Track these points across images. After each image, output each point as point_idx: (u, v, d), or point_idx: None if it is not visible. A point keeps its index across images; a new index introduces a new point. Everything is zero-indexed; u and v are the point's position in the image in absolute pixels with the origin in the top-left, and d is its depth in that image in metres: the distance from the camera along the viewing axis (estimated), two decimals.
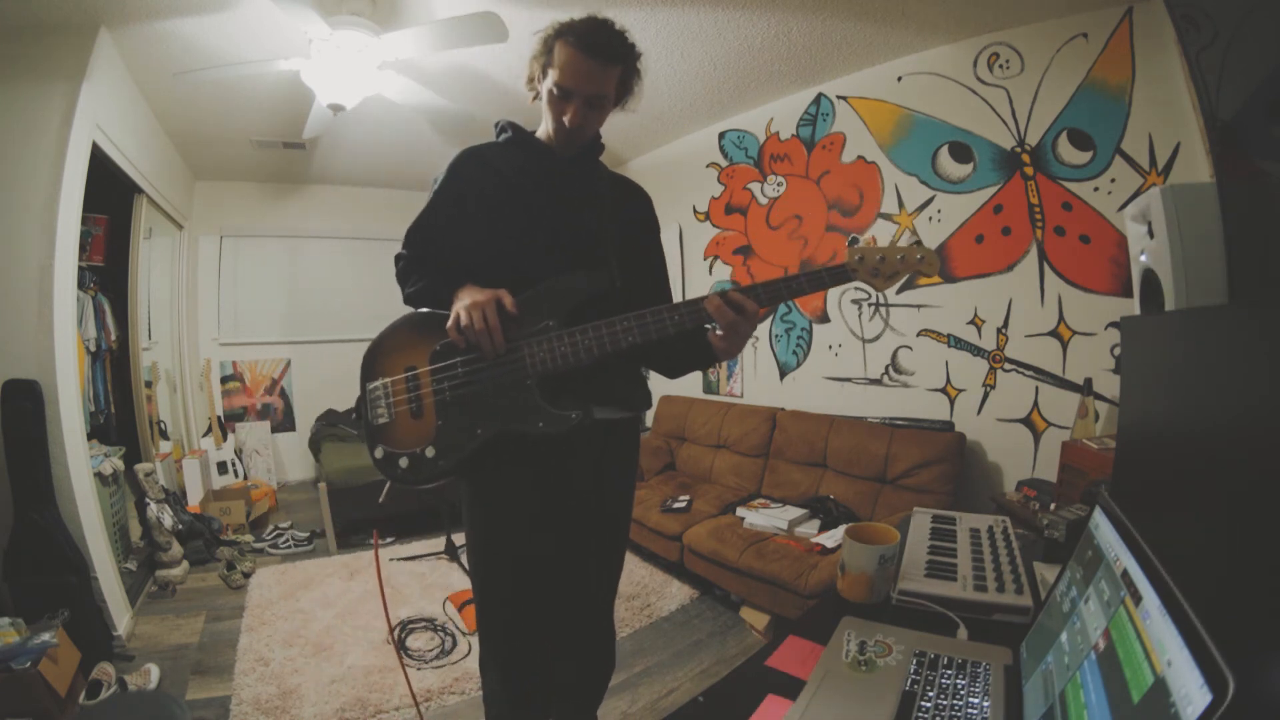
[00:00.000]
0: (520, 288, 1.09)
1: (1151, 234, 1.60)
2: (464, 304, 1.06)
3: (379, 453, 1.13)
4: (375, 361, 1.17)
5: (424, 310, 1.17)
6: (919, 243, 1.05)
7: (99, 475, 2.55)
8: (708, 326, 1.11)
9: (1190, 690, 0.44)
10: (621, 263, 1.21)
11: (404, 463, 1.11)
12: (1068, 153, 2.26)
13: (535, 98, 1.19)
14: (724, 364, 3.74)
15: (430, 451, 1.10)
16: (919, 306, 2.76)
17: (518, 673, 1.24)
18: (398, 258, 1.22)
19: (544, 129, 1.20)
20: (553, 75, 1.09)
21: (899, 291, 2.81)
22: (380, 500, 1.34)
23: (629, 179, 1.36)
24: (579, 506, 1.24)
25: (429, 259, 1.19)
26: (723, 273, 3.75)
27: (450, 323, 1.07)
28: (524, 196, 1.17)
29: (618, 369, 1.19)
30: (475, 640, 2.29)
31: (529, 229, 1.17)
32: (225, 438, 4.39)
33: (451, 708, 1.97)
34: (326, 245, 4.96)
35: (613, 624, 1.43)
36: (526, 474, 1.16)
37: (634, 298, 1.16)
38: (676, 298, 1.17)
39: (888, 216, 2.85)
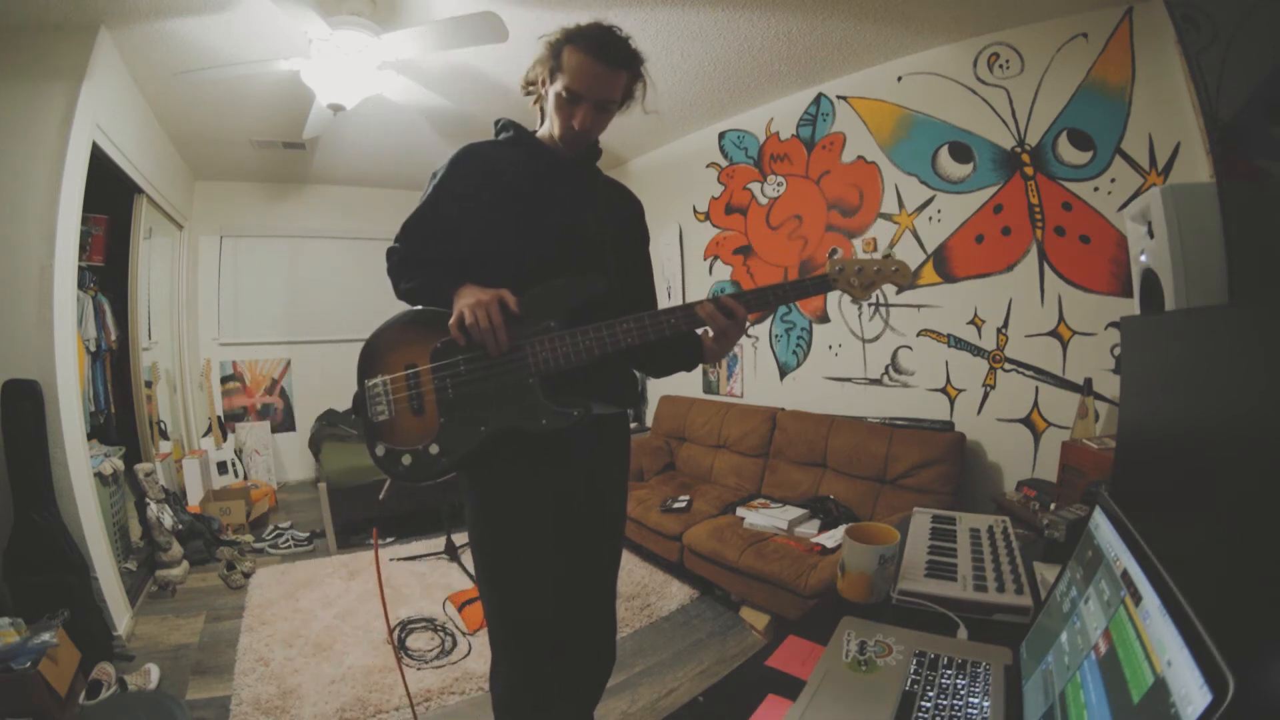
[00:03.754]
0: (520, 287, 1.10)
1: (1151, 234, 1.60)
2: (467, 302, 1.06)
3: (380, 450, 1.13)
4: (373, 359, 1.16)
5: (421, 308, 1.17)
6: (892, 255, 1.16)
7: (99, 475, 2.55)
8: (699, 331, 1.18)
9: (1190, 690, 0.44)
10: (618, 269, 1.24)
11: (407, 460, 1.12)
12: (1068, 153, 2.26)
13: (536, 100, 1.22)
14: (724, 364, 3.74)
15: (434, 449, 1.11)
16: (919, 306, 2.76)
17: (537, 675, 1.19)
18: (391, 251, 1.21)
19: (546, 130, 1.22)
20: (563, 79, 1.11)
21: (899, 291, 2.81)
22: (380, 498, 1.37)
23: (624, 186, 1.38)
24: (582, 502, 1.25)
25: (426, 255, 1.19)
26: (723, 273, 3.75)
27: (453, 320, 1.08)
28: (526, 195, 1.18)
29: (613, 368, 1.22)
30: (474, 640, 2.30)
31: (531, 228, 1.17)
32: (225, 438, 4.39)
33: (452, 708, 1.97)
34: (326, 245, 4.96)
35: (615, 617, 1.44)
36: (528, 470, 1.16)
37: (625, 302, 1.19)
38: (675, 299, 1.18)
39: (888, 216, 2.85)
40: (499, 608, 1.20)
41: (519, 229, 1.17)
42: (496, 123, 1.27)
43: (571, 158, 1.23)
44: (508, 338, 1.07)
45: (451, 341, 1.11)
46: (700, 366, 1.33)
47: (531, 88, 1.21)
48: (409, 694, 1.81)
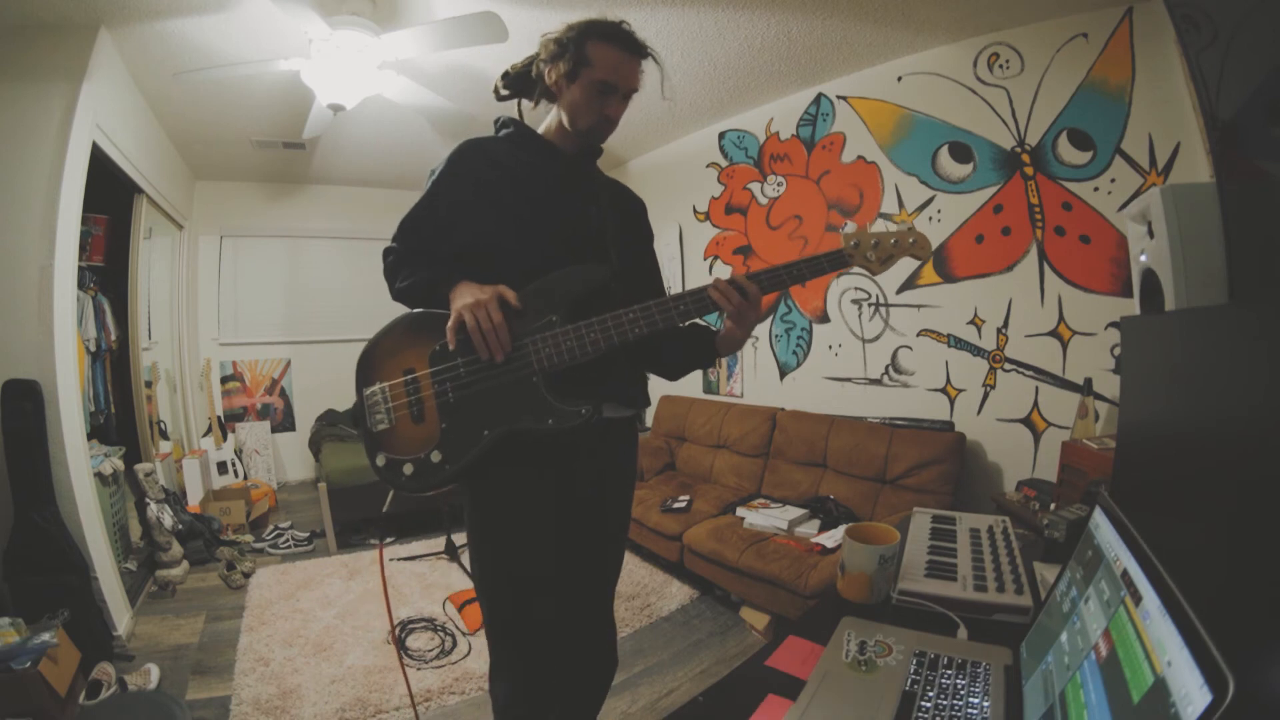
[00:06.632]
0: (523, 282, 1.08)
1: (1151, 234, 1.60)
2: (465, 303, 1.04)
3: (381, 460, 1.10)
4: (371, 366, 1.14)
5: (420, 311, 1.15)
6: (911, 227, 1.10)
7: (99, 475, 2.55)
8: (708, 320, 1.13)
9: (1190, 690, 0.44)
10: (621, 261, 1.22)
11: (409, 469, 1.09)
12: (1068, 153, 2.26)
13: (547, 100, 1.20)
14: (724, 364, 3.75)
15: (436, 456, 1.08)
16: (919, 306, 2.75)
17: (537, 681, 1.20)
18: (387, 251, 1.20)
19: (553, 125, 1.21)
20: (592, 73, 1.11)
21: (899, 291, 2.82)
22: (384, 509, 1.46)
23: (628, 188, 1.38)
24: (584, 509, 1.23)
25: (423, 253, 1.17)
26: (723, 273, 3.75)
27: (451, 323, 1.05)
28: (528, 190, 1.17)
29: (621, 366, 1.19)
30: (474, 640, 2.29)
31: (533, 222, 1.16)
32: (225, 438, 4.39)
33: (451, 708, 1.97)
34: (326, 245, 4.96)
35: (614, 621, 1.42)
36: (532, 475, 1.14)
37: (634, 299, 1.16)
38: None
39: (888, 216, 2.85)
40: (498, 613, 1.19)
41: (523, 226, 1.15)
42: (497, 120, 1.26)
43: (576, 154, 1.23)
44: (509, 337, 1.04)
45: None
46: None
47: (543, 85, 1.19)
48: (411, 694, 1.80)
